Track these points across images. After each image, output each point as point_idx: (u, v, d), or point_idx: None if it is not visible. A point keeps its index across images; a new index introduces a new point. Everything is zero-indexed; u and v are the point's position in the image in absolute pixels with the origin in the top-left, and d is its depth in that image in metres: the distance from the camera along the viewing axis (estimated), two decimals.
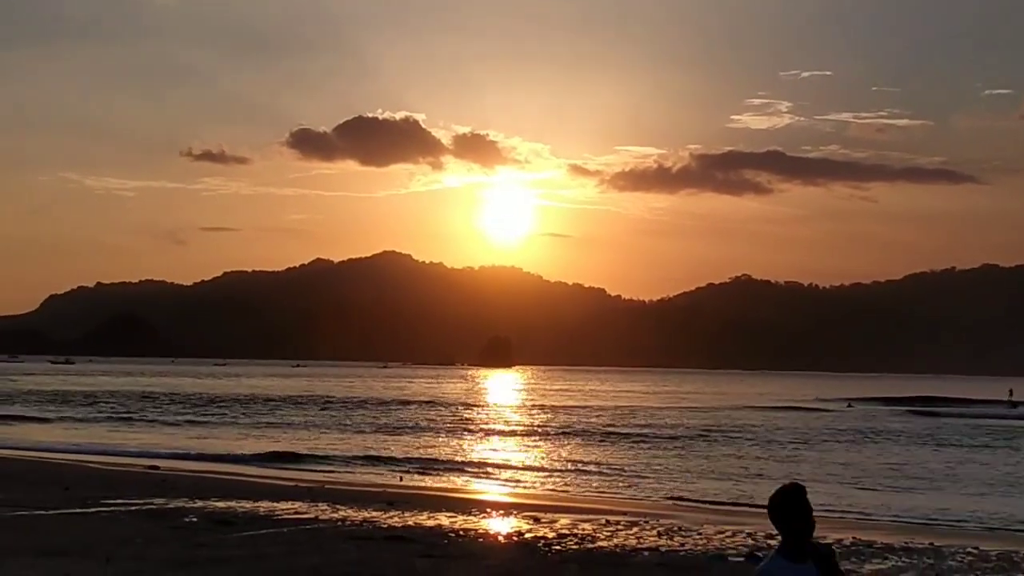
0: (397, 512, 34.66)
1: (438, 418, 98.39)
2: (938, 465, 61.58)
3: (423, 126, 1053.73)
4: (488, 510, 36.72)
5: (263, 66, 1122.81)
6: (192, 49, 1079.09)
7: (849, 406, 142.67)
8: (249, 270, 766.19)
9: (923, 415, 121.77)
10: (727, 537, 31.20)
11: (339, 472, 53.88)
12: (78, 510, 32.82)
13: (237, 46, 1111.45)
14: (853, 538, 30.96)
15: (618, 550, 28.06)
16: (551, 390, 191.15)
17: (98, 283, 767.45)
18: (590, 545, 28.76)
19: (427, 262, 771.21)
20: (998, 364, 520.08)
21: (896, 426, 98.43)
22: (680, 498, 44.71)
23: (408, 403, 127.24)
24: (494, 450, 68.69)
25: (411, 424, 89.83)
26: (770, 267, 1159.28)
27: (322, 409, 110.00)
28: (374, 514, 33.96)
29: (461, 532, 30.59)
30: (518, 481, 51.89)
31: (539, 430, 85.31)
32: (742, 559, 27.04)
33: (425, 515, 34.10)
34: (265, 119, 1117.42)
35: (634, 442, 73.85)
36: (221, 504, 35.39)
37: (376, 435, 78.16)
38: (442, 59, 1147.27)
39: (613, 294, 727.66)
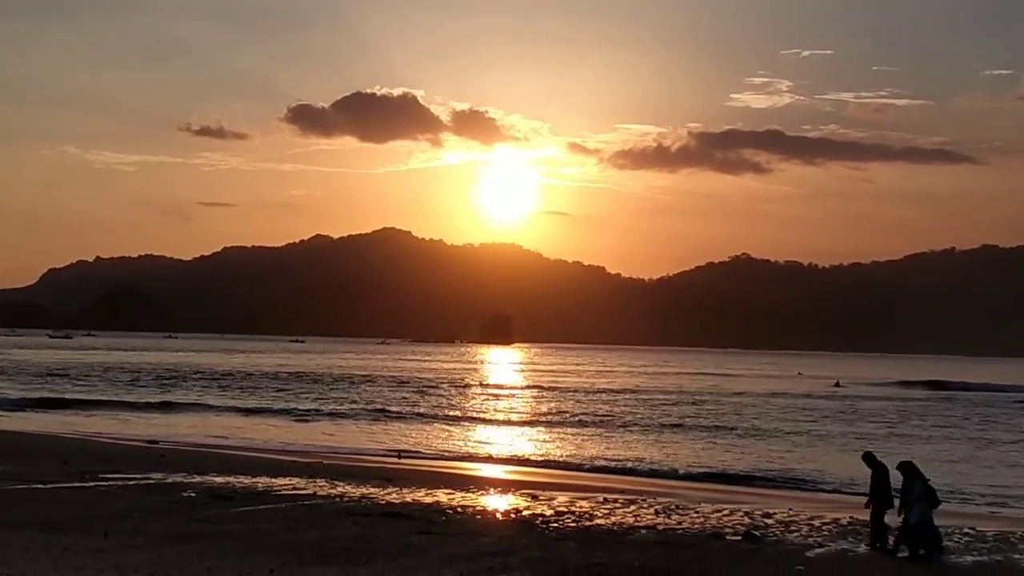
0: (395, 488, 34.71)
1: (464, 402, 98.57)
2: (925, 444, 61.65)
3: (422, 102, 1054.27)
4: (486, 487, 36.76)
5: (262, 41, 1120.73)
6: (191, 24, 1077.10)
7: (837, 385, 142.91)
8: (248, 245, 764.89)
9: (915, 396, 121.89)
10: (724, 515, 31.23)
11: None
12: (76, 484, 32.85)
13: (236, 21, 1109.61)
14: (850, 518, 30.96)
15: (616, 528, 28.09)
16: (551, 369, 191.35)
17: (97, 257, 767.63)
18: (588, 523, 28.79)
19: (427, 239, 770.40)
20: (999, 344, 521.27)
21: (880, 405, 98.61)
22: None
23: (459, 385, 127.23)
24: (492, 431, 68.86)
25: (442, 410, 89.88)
26: (770, 246, 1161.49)
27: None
28: (372, 490, 34.01)
29: (459, 509, 30.63)
30: (517, 459, 51.87)
31: (539, 412, 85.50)
32: (739, 538, 27.05)
33: (423, 492, 34.15)
34: (264, 94, 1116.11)
35: (616, 428, 73.94)
36: (219, 479, 35.44)
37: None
38: (440, 35, 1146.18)
39: (613, 272, 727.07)
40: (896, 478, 25.98)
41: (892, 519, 26.00)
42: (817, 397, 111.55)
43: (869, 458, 26.84)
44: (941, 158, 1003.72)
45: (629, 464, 48.99)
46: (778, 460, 51.78)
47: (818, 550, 25.67)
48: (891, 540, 25.83)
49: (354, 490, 33.89)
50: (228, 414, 73.27)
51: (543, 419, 74.55)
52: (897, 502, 25.78)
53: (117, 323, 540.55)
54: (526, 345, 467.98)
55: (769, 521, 30.23)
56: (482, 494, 34.52)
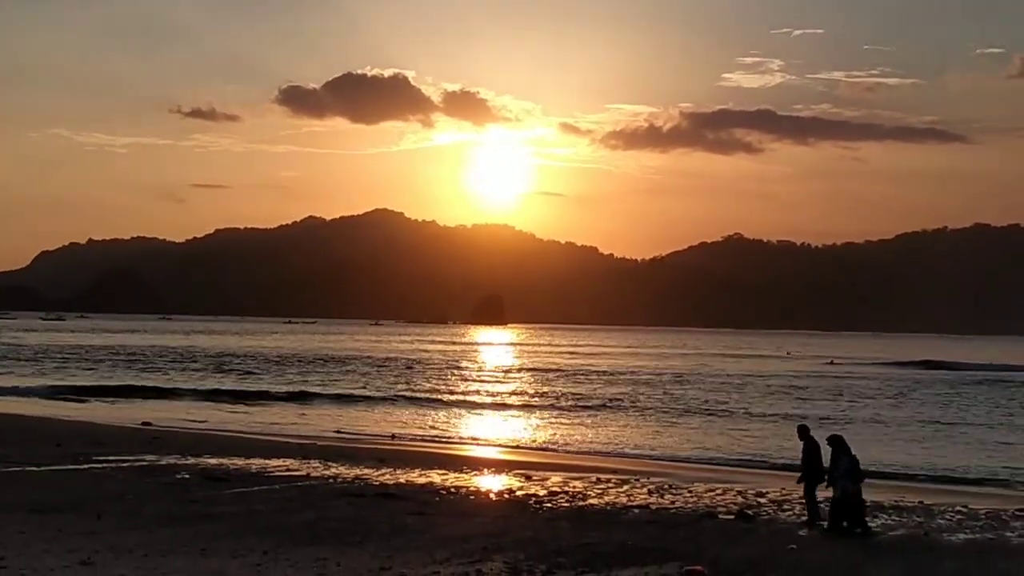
0: (389, 469, 34.73)
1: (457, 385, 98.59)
2: (920, 423, 61.70)
3: (412, 83, 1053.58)
4: (479, 468, 36.77)
5: (252, 23, 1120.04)
6: (182, 6, 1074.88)
7: (831, 363, 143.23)
8: (241, 227, 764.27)
9: (909, 376, 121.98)
10: (717, 495, 31.29)
11: None
12: (70, 466, 32.86)
13: (226, 3, 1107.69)
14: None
15: (609, 507, 28.15)
16: (543, 350, 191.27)
17: (90, 240, 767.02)
18: (581, 503, 28.84)
19: (420, 220, 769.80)
20: (991, 323, 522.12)
21: (873, 384, 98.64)
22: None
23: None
24: (488, 413, 68.88)
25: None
26: (762, 226, 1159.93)
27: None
28: (366, 471, 34.03)
29: (452, 489, 30.67)
30: (510, 440, 51.87)
31: (535, 394, 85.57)
32: (732, 517, 27.11)
33: (416, 472, 34.17)
34: (255, 76, 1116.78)
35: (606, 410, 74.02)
36: (213, 461, 35.45)
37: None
38: (431, 15, 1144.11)
39: (605, 252, 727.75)
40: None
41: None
42: (810, 377, 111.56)
43: (803, 431, 26.92)
44: (932, 137, 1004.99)
45: (621, 446, 48.94)
46: (769, 440, 51.72)
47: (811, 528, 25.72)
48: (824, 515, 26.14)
49: (347, 471, 33.91)
50: (221, 396, 73.02)
51: (535, 401, 74.53)
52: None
53: (110, 306, 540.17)
54: (519, 326, 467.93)
55: (762, 500, 30.29)
56: (475, 475, 34.56)
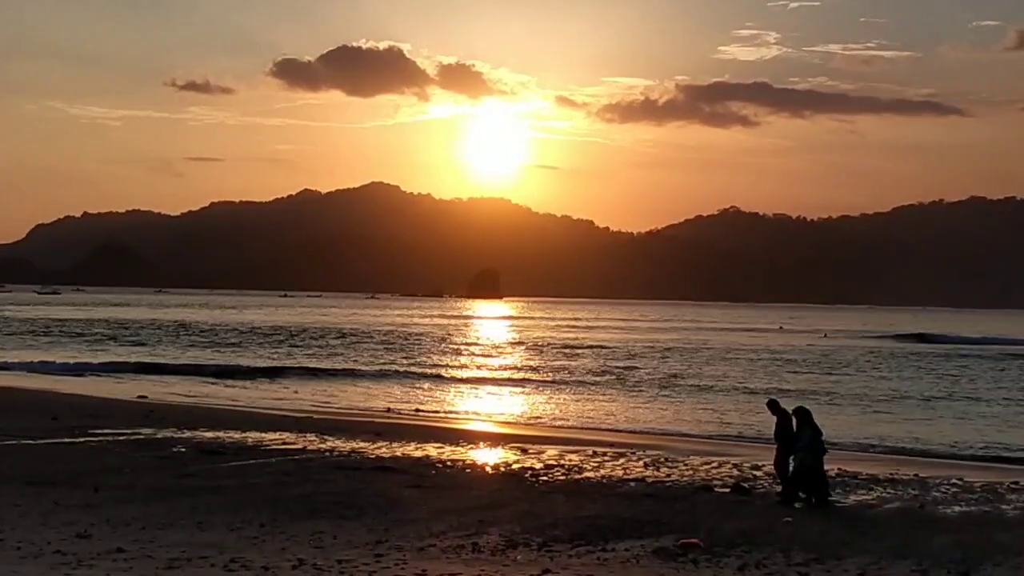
0: (385, 443, 34.74)
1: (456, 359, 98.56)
2: (915, 398, 61.77)
3: (408, 56, 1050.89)
4: (476, 441, 36.79)
5: None
6: None
7: (824, 336, 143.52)
8: (236, 200, 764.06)
9: (904, 351, 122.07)
10: (713, 468, 31.31)
11: None
12: (66, 439, 32.88)
13: None
14: (839, 469, 31.01)
15: (605, 480, 28.19)
16: (539, 324, 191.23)
17: (85, 213, 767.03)
18: (577, 476, 28.88)
19: (415, 193, 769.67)
20: (987, 295, 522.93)
21: (865, 359, 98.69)
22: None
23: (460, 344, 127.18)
24: (483, 386, 68.93)
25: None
26: (758, 199, 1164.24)
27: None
28: (362, 445, 34.05)
29: (449, 463, 30.69)
30: (506, 414, 51.93)
31: (530, 367, 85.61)
32: (728, 490, 27.15)
33: (413, 446, 34.19)
34: (249, 48, 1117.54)
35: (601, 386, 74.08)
36: (209, 434, 35.45)
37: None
38: None
39: (602, 226, 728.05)
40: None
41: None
42: (802, 350, 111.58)
43: (773, 405, 27.29)
44: (929, 110, 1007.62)
45: (616, 419, 48.96)
46: (763, 413, 51.54)
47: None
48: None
49: (344, 444, 33.93)
50: (215, 370, 72.75)
51: (531, 375, 74.58)
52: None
53: (105, 278, 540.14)
54: (515, 299, 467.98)
55: (758, 473, 30.30)
56: (471, 448, 34.58)
